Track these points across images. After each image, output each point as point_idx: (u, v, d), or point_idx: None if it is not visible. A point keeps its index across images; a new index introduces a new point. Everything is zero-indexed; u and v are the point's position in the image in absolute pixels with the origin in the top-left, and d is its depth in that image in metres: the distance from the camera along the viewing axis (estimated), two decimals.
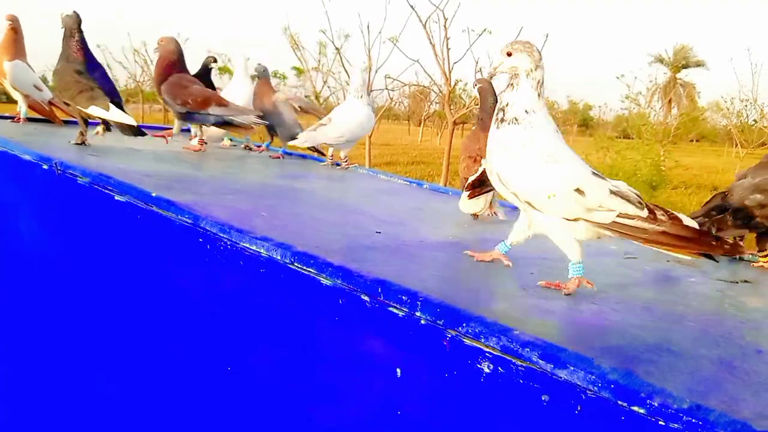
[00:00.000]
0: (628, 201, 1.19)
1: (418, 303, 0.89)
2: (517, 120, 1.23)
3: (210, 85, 2.88)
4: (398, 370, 0.91)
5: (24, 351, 1.94)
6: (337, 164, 2.64)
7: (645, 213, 1.18)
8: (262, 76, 2.85)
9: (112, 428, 1.59)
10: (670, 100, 26.30)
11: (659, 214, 1.19)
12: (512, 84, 1.25)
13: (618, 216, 1.18)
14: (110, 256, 1.53)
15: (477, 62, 10.47)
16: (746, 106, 21.22)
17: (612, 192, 1.19)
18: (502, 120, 1.24)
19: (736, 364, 0.86)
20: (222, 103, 2.56)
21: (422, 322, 0.88)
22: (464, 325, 0.83)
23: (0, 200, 2.04)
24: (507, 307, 0.98)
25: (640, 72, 28.65)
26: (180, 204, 1.34)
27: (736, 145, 27.53)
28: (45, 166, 1.71)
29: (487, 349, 0.81)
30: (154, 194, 1.39)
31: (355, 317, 0.97)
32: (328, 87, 13.00)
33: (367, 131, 2.90)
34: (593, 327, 0.94)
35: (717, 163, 25.01)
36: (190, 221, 1.27)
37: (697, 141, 34.85)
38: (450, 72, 10.91)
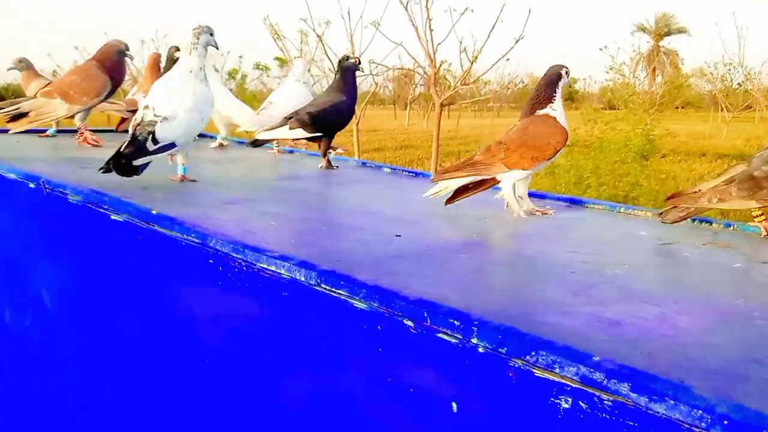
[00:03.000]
0: None
1: (474, 328, 0.78)
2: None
3: None
4: (454, 405, 0.80)
5: (23, 382, 1.82)
6: (290, 150, 2.80)
7: None
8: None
9: None
10: (654, 69, 26.24)
11: None
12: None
13: None
14: (111, 282, 1.40)
15: (461, 42, 10.32)
16: (729, 70, 21.24)
17: None
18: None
19: None
20: None
21: (480, 350, 0.77)
22: (533, 353, 0.72)
23: None
24: (567, 320, 0.87)
25: (623, 42, 28.51)
26: (185, 222, 1.21)
27: (722, 109, 27.52)
28: (32, 185, 1.58)
29: (564, 381, 0.70)
30: (155, 212, 1.26)
31: (399, 346, 0.86)
32: (312, 75, 12.75)
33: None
34: (667, 338, 0.83)
35: (704, 129, 24.95)
36: (197, 241, 1.14)
37: (682, 108, 34.82)
38: (434, 53, 10.76)
